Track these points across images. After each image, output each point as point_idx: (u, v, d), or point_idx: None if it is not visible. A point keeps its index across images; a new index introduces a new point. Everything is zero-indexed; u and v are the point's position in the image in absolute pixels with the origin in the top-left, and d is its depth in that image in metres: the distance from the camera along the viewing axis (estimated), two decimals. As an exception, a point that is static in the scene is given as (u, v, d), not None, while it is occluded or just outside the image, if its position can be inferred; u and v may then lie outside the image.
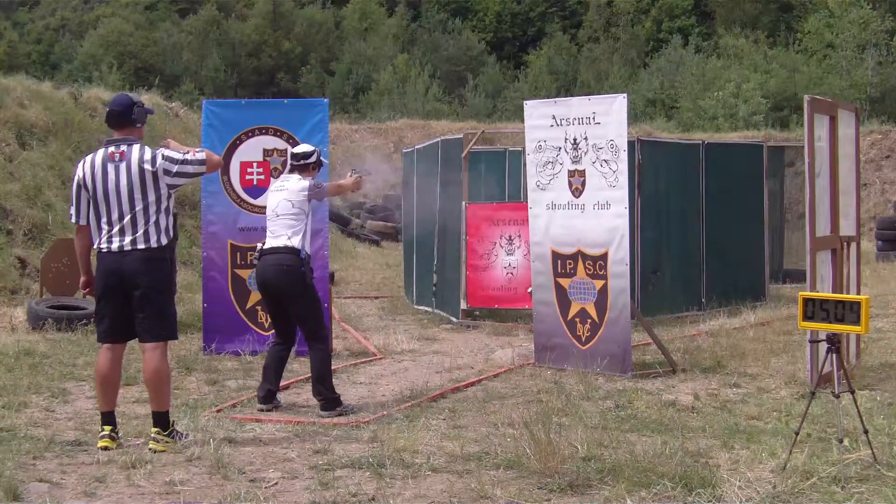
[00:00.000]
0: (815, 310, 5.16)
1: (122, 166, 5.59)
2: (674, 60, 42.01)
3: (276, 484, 4.93)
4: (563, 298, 8.27)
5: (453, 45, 50.48)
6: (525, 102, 8.88)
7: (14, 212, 12.56)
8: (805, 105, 6.99)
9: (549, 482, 4.88)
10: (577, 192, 8.16)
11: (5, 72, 20.16)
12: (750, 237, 12.65)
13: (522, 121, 8.79)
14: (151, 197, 5.60)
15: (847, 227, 7.74)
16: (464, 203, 11.25)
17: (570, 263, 8.22)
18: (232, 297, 8.84)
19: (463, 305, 11.17)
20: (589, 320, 8.09)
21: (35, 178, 13.34)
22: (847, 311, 5.05)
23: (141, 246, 5.57)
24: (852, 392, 5.28)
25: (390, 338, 9.76)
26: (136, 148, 5.66)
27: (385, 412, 6.53)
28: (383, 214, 24.18)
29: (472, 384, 7.60)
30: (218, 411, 6.51)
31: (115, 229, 5.59)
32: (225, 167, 8.76)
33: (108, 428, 5.60)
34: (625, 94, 8.23)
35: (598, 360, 7.88)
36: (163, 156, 5.67)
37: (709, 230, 12.05)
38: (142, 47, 49.83)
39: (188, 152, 5.78)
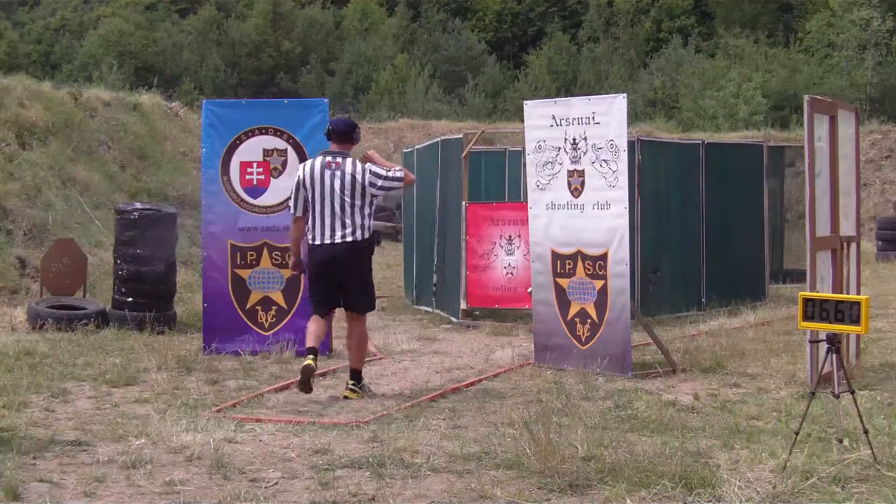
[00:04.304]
0: (815, 310, 5.16)
1: (338, 174, 6.96)
2: (674, 60, 42.00)
3: (276, 484, 4.93)
4: (563, 298, 8.26)
5: (453, 45, 50.44)
6: (525, 102, 8.87)
7: (14, 212, 12.57)
8: (805, 105, 6.99)
9: (549, 482, 4.88)
10: (576, 192, 8.15)
11: (5, 72, 20.15)
12: (750, 237, 12.64)
13: (522, 121, 8.79)
14: (358, 202, 6.95)
15: (847, 227, 7.73)
16: (464, 203, 11.24)
17: (569, 263, 8.21)
18: (232, 297, 8.82)
19: (463, 305, 11.17)
20: (589, 320, 8.09)
21: (35, 178, 13.34)
22: (847, 311, 5.04)
23: (349, 239, 6.93)
24: (852, 392, 5.28)
25: (390, 338, 9.76)
26: (349, 161, 7.02)
27: (385, 412, 6.54)
28: (383, 214, 24.14)
29: (472, 384, 7.60)
30: (218, 411, 6.51)
31: (328, 225, 6.93)
32: (225, 167, 8.80)
33: (311, 357, 6.70)
34: (625, 94, 8.22)
35: (598, 360, 7.87)
36: (370, 171, 7.00)
37: (709, 230, 12.04)
38: (142, 47, 49.80)
39: (390, 169, 7.12)
